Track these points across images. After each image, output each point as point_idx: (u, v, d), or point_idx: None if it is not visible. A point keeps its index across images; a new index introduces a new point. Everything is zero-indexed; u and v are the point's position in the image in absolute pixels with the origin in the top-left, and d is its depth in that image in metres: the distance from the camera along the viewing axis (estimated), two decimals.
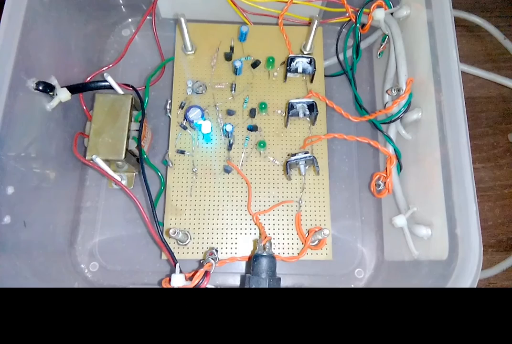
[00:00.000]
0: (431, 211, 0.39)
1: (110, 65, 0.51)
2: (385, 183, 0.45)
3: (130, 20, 0.58)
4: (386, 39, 0.51)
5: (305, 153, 0.43)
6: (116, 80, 0.48)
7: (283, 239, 0.45)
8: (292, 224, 0.45)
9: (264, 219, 0.46)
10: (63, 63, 0.47)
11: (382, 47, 0.52)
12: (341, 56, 0.54)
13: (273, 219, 0.46)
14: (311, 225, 0.46)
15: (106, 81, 0.47)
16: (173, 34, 0.54)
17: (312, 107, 0.45)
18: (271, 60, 0.48)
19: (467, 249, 0.33)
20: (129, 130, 0.46)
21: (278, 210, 0.46)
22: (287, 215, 0.46)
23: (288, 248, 0.45)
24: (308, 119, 0.48)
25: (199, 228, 0.45)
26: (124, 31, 0.58)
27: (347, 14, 0.51)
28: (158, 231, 0.41)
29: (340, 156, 0.54)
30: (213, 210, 0.46)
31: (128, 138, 0.46)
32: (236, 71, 0.48)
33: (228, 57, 0.49)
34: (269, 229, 0.45)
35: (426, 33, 0.41)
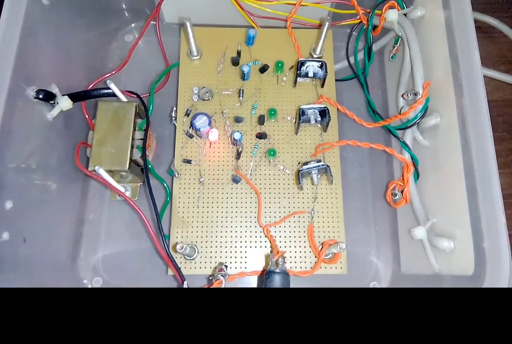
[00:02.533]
0: (453, 223, 0.37)
1: (113, 72, 0.50)
2: (402, 192, 0.43)
3: (133, 25, 0.56)
4: (399, 41, 0.49)
5: (317, 162, 0.41)
6: (120, 87, 0.46)
7: (295, 252, 0.43)
8: (304, 236, 0.43)
9: (275, 231, 0.43)
10: (64, 70, 0.45)
11: (395, 49, 0.50)
12: (351, 60, 0.52)
13: (285, 231, 0.43)
14: (324, 237, 0.43)
15: (109, 88, 0.45)
16: (177, 39, 0.52)
17: (324, 113, 0.43)
18: (280, 65, 0.46)
19: (496, 264, 0.31)
20: (133, 139, 0.44)
21: (290, 221, 0.44)
22: (299, 226, 0.44)
23: (301, 262, 0.42)
24: (319, 125, 0.46)
25: (207, 241, 0.43)
26: (127, 36, 0.56)
27: (358, 16, 0.49)
28: (164, 246, 0.39)
29: (352, 164, 0.52)
30: (222, 222, 0.44)
31: (132, 147, 0.44)
32: (243, 76, 0.46)
33: (235, 62, 0.47)
34: (280, 241, 0.43)
35: (444, 34, 0.39)
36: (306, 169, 0.40)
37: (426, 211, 0.41)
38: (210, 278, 0.37)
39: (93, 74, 0.51)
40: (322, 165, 0.40)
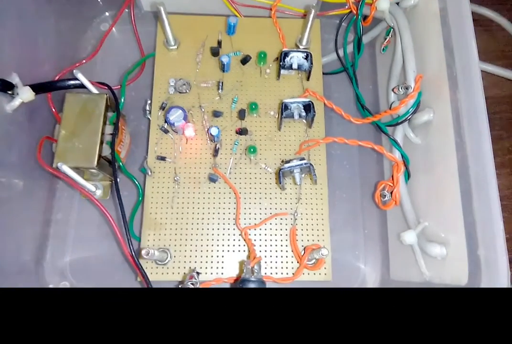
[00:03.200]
0: (446, 227, 0.34)
1: (84, 61, 0.46)
2: (391, 193, 0.40)
3: (107, 14, 0.53)
4: (390, 32, 0.46)
5: (300, 160, 0.38)
6: (93, 79, 0.43)
7: (276, 257, 0.40)
8: (286, 240, 0.40)
9: (255, 234, 0.40)
10: (29, 59, 0.41)
11: (386, 41, 0.46)
12: (340, 52, 0.49)
13: (265, 234, 0.40)
14: (308, 241, 0.40)
15: (76, 79, 0.42)
16: (155, 29, 0.49)
17: (308, 107, 0.40)
18: (262, 55, 0.43)
19: (493, 273, 0.28)
20: (103, 133, 0.41)
21: (271, 224, 0.41)
22: (281, 229, 0.40)
23: (282, 268, 0.39)
24: (304, 121, 0.43)
25: (180, 245, 0.40)
26: (103, 25, 0.53)
27: (347, 6, 0.46)
28: (131, 250, 0.35)
29: (340, 162, 0.48)
30: (197, 224, 0.40)
31: (101, 142, 0.41)
32: (223, 67, 0.43)
33: (215, 52, 0.44)
34: (260, 245, 0.40)
35: (438, 24, 0.36)
36: (288, 167, 0.37)
37: (417, 214, 0.38)
38: (180, 286, 0.34)
39: (64, 65, 0.47)
40: (305, 164, 0.37)
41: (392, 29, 0.45)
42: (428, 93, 0.38)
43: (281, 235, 0.40)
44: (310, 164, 0.37)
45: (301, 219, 0.41)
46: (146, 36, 0.50)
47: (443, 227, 0.35)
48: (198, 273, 0.35)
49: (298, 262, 0.39)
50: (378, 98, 0.50)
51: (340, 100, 0.50)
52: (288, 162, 0.38)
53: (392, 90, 0.41)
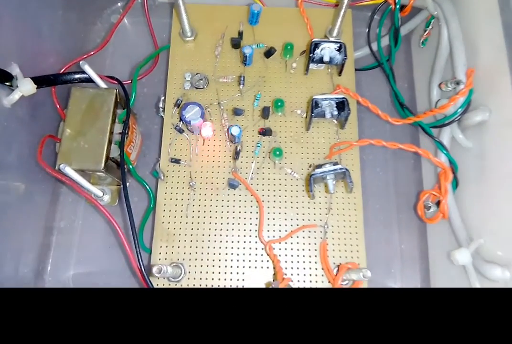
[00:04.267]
0: (507, 246, 0.29)
1: (92, 53, 0.42)
2: (437, 204, 0.35)
3: (119, 4, 0.49)
4: (431, 24, 0.41)
5: (334, 164, 0.33)
6: (103, 73, 0.39)
7: (305, 275, 0.35)
8: (316, 256, 0.35)
9: (280, 249, 0.35)
10: (31, 50, 0.38)
11: (426, 33, 0.42)
12: (374, 46, 0.44)
13: (291, 249, 0.35)
14: (340, 257, 0.35)
15: (83, 72, 0.38)
16: (170, 21, 0.44)
17: (342, 105, 0.35)
18: (289, 47, 0.38)
19: None
20: (111, 133, 0.37)
21: (298, 237, 0.36)
22: (310, 244, 0.36)
23: (311, 287, 0.34)
24: (335, 121, 0.38)
25: (196, 260, 0.35)
26: (113, 17, 0.49)
27: None
28: (141, 265, 0.31)
29: (372, 169, 0.44)
30: (215, 236, 0.36)
31: (110, 143, 0.37)
32: (245, 60, 0.38)
33: (236, 44, 0.40)
34: (286, 261, 0.35)
35: (495, 9, 0.31)
36: (320, 173, 0.32)
37: (469, 229, 0.33)
38: None
39: (71, 58, 0.43)
40: (340, 169, 0.32)
41: (433, 20, 0.41)
42: (482, 90, 0.33)
43: (309, 250, 0.35)
44: (346, 169, 0.32)
45: (332, 232, 0.36)
46: (160, 29, 0.47)
47: (503, 245, 0.30)
48: None
49: (329, 282, 0.34)
50: (414, 97, 0.45)
51: (372, 99, 0.45)
52: (319, 166, 0.33)
53: (439, 86, 0.36)
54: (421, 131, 0.42)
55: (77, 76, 0.38)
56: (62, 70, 0.40)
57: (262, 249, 0.35)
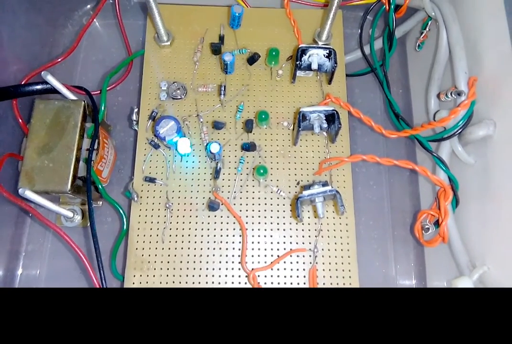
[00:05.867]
0: None
1: (59, 60, 0.39)
2: (436, 224, 0.32)
3: (89, 6, 0.45)
4: (428, 26, 0.38)
5: (323, 185, 0.30)
6: (73, 82, 0.36)
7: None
8: (305, 283, 0.32)
9: (265, 276, 0.32)
10: None
11: (423, 36, 0.39)
12: (366, 50, 0.41)
13: (278, 276, 0.32)
14: (331, 284, 0.32)
15: (46, 82, 0.34)
16: (145, 22, 0.41)
17: (332, 118, 0.32)
18: (274, 53, 0.35)
19: None
20: (79, 149, 0.34)
21: (285, 262, 0.33)
22: (297, 269, 0.33)
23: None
24: (324, 134, 0.35)
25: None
26: (85, 19, 0.45)
27: None
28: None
29: (365, 183, 0.41)
30: (194, 263, 0.33)
31: (77, 160, 0.34)
32: (226, 68, 0.35)
33: (216, 49, 0.36)
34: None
35: (501, 12, 0.28)
36: (308, 196, 0.29)
37: (471, 253, 0.30)
38: None
39: (38, 65, 0.39)
40: (329, 191, 0.29)
41: (430, 21, 0.37)
42: (485, 101, 0.30)
43: (297, 277, 0.32)
44: (337, 191, 0.29)
45: (323, 256, 0.33)
46: (135, 31, 0.43)
47: (510, 272, 0.27)
48: None
49: None
50: (410, 104, 0.42)
51: (365, 107, 0.42)
52: (307, 188, 0.30)
53: (438, 96, 0.33)
54: (418, 143, 0.40)
55: (40, 87, 0.34)
56: (24, 81, 0.36)
57: (246, 276, 0.32)
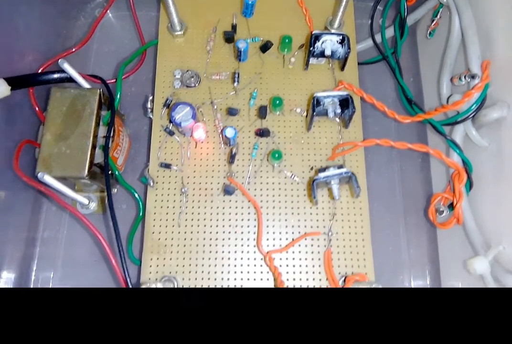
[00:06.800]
0: None
1: (73, 50, 0.39)
2: (451, 207, 0.32)
3: None
4: (439, 12, 0.38)
5: (338, 168, 0.30)
6: (88, 72, 0.36)
7: (308, 286, 0.32)
8: (320, 266, 0.33)
9: (280, 259, 0.33)
10: (5, 48, 0.34)
11: (434, 23, 0.39)
12: (377, 38, 0.41)
13: (293, 259, 0.33)
14: (346, 266, 0.33)
15: (63, 71, 0.35)
16: (158, 14, 0.41)
17: (346, 102, 0.32)
18: (287, 41, 0.35)
19: None
20: (95, 136, 0.34)
21: (300, 246, 0.33)
22: (312, 252, 0.33)
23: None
24: (337, 120, 0.36)
25: (190, 272, 0.32)
26: (98, 11, 0.46)
27: None
28: (128, 283, 0.28)
29: (377, 170, 0.41)
30: (210, 246, 0.33)
31: (93, 147, 0.34)
32: (240, 55, 0.36)
33: (229, 38, 0.37)
34: (287, 272, 0.32)
35: None
36: (324, 178, 0.30)
37: (485, 235, 0.31)
38: None
39: (52, 56, 0.40)
40: (345, 173, 0.29)
41: (441, 9, 0.38)
42: (498, 84, 0.30)
43: (312, 259, 0.33)
44: (352, 173, 0.29)
45: (337, 239, 0.33)
46: (148, 23, 0.43)
47: None
48: None
49: None
50: (421, 92, 0.42)
51: (375, 95, 0.42)
52: (323, 170, 0.31)
53: (451, 80, 0.33)
54: (429, 129, 0.40)
55: (56, 75, 0.35)
56: (40, 70, 0.37)
57: (262, 259, 0.33)
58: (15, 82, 0.32)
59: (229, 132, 0.32)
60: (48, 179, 0.31)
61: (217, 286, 0.32)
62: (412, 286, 0.38)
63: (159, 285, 0.28)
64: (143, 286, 0.26)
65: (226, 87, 0.37)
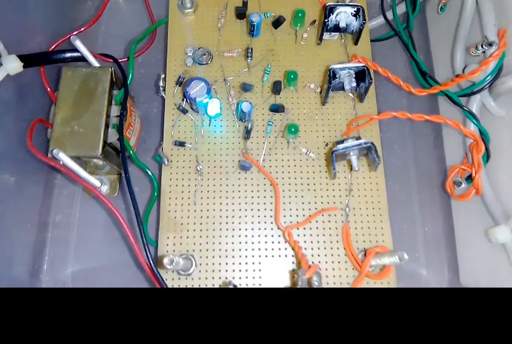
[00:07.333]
0: None
1: (82, 29, 0.39)
2: (468, 179, 0.32)
3: None
4: None
5: (357, 139, 0.30)
6: (95, 51, 0.36)
7: (327, 262, 0.32)
8: (338, 241, 0.32)
9: (298, 235, 0.32)
10: (16, 26, 0.34)
11: None
12: (388, 15, 0.41)
13: (310, 235, 0.33)
14: (364, 241, 0.32)
15: (75, 50, 0.34)
16: None
17: (362, 75, 0.32)
18: (300, 15, 0.35)
19: None
20: (108, 116, 0.34)
21: (317, 222, 0.33)
22: (330, 228, 0.33)
23: (335, 276, 0.32)
24: (351, 94, 0.35)
25: (207, 250, 0.32)
26: None
27: None
28: (149, 259, 0.28)
29: (389, 147, 0.41)
30: (226, 224, 0.33)
31: (107, 126, 0.34)
32: (252, 30, 0.35)
33: (241, 13, 0.36)
34: (305, 249, 0.32)
35: None
36: (343, 149, 0.29)
37: (504, 205, 0.30)
38: None
39: (59, 37, 0.39)
40: (365, 143, 0.29)
41: None
42: None
43: (330, 235, 0.32)
44: (372, 143, 0.29)
45: (354, 215, 0.33)
46: (155, 4, 0.43)
47: None
48: (234, 286, 0.28)
49: (355, 268, 0.31)
50: (432, 69, 0.42)
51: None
52: (341, 142, 0.30)
53: (469, 50, 0.33)
54: (441, 103, 0.40)
55: (68, 54, 0.34)
56: (50, 49, 0.36)
57: (279, 236, 0.32)
58: (27, 60, 0.32)
59: (245, 106, 0.31)
60: (63, 156, 0.30)
61: (235, 263, 0.32)
62: (428, 262, 0.37)
63: (181, 261, 0.28)
64: (165, 260, 0.26)
65: (239, 64, 0.36)
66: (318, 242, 0.32)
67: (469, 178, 0.32)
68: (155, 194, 0.35)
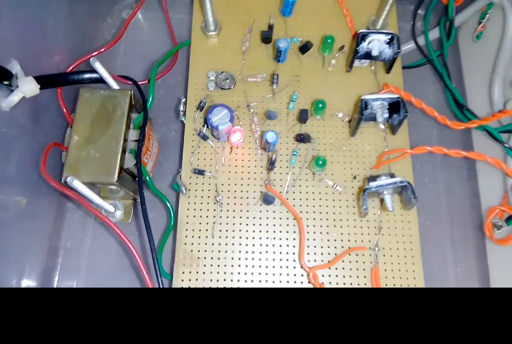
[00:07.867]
0: None
1: (102, 50, 0.37)
2: (508, 221, 0.30)
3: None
4: (486, 15, 0.36)
5: (391, 177, 0.28)
6: (114, 73, 0.35)
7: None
8: (366, 284, 0.30)
9: (322, 275, 0.30)
10: (34, 46, 0.33)
11: (481, 26, 0.37)
12: (420, 41, 0.39)
13: (336, 276, 0.30)
14: (394, 285, 0.30)
15: (93, 71, 0.33)
16: (188, 16, 0.40)
17: (396, 106, 0.30)
18: (329, 41, 0.33)
19: None
20: (125, 140, 0.32)
21: (344, 261, 0.30)
22: (357, 269, 0.30)
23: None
24: (382, 126, 0.33)
25: (224, 288, 0.30)
26: (125, 12, 0.45)
27: None
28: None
29: (420, 181, 0.38)
30: (246, 259, 0.31)
31: (123, 151, 0.32)
32: (279, 56, 0.34)
33: (267, 38, 0.35)
34: None
35: None
36: (376, 187, 0.27)
37: None
38: None
39: (78, 57, 0.38)
40: (400, 182, 0.27)
41: (489, 11, 0.36)
42: None
43: (357, 277, 0.30)
44: (408, 182, 0.27)
45: (384, 255, 0.31)
46: (178, 25, 0.42)
47: None
48: None
49: None
50: (465, 99, 0.40)
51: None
52: (373, 179, 0.28)
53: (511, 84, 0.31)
54: (475, 136, 0.38)
55: (86, 75, 0.33)
56: (68, 70, 0.35)
57: (302, 276, 0.30)
58: (44, 81, 0.30)
59: (270, 137, 0.29)
60: (77, 184, 0.29)
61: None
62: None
63: None
64: None
65: (263, 90, 0.35)
66: (344, 284, 0.30)
67: (510, 219, 0.30)
68: (171, 224, 0.33)
